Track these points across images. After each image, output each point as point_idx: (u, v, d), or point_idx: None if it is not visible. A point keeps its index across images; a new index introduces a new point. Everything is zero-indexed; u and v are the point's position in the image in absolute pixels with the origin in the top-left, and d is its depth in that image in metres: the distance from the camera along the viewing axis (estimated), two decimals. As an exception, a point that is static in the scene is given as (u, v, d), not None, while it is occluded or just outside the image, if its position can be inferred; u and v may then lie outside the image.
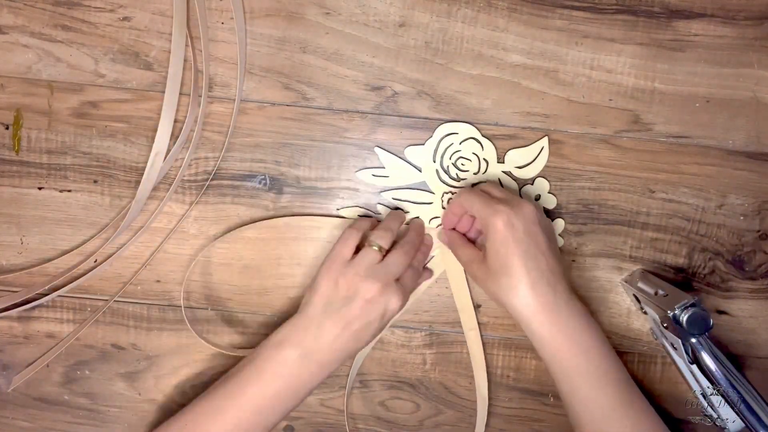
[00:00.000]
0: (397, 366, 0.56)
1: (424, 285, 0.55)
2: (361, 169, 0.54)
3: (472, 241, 0.53)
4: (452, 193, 0.54)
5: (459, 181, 0.54)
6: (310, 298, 0.48)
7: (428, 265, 0.55)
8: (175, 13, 0.51)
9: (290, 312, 0.55)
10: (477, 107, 0.53)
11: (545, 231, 0.47)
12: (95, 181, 0.54)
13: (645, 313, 0.54)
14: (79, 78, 0.53)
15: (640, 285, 0.53)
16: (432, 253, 0.55)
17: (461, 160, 0.53)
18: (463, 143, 0.53)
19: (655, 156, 0.53)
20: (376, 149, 0.53)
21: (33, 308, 0.55)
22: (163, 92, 0.51)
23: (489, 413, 0.56)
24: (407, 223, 0.54)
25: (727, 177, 0.54)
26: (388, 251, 0.49)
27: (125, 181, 0.54)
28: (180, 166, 0.54)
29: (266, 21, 0.52)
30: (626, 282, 0.55)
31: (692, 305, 0.48)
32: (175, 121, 0.52)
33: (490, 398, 0.56)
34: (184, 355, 0.56)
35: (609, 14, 0.52)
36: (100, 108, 0.53)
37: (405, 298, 0.49)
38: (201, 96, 0.53)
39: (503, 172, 0.53)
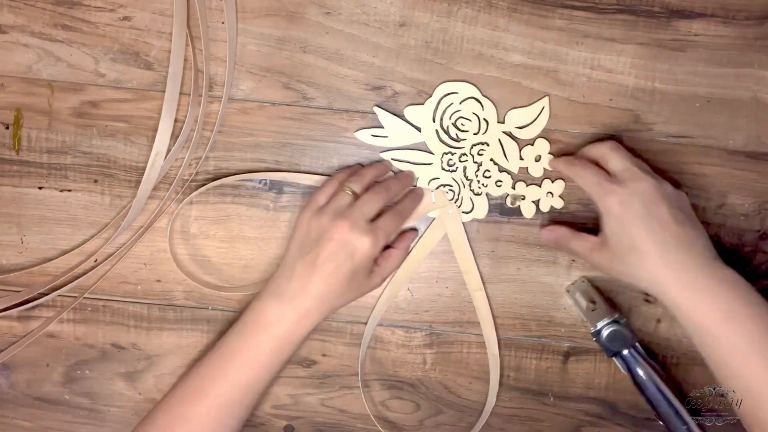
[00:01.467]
0: (397, 366, 0.56)
1: (420, 255, 0.55)
2: (360, 129, 0.53)
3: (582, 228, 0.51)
4: (452, 154, 0.53)
5: (459, 141, 0.53)
6: (287, 246, 0.50)
7: (430, 228, 0.54)
8: (176, 13, 0.51)
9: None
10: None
11: (669, 202, 0.45)
12: (95, 181, 0.54)
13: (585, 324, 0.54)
14: (80, 77, 0.53)
15: (577, 297, 0.54)
16: (431, 215, 0.54)
17: (461, 120, 0.53)
18: (463, 103, 0.53)
19: (656, 156, 0.53)
20: (375, 109, 0.53)
21: (33, 308, 0.55)
22: (164, 92, 0.51)
23: (490, 413, 0.56)
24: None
25: (727, 177, 0.54)
26: None
27: (125, 180, 0.54)
28: (180, 166, 0.54)
29: (266, 21, 0.52)
30: (569, 291, 0.55)
31: (613, 322, 0.51)
32: (176, 120, 0.52)
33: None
34: (184, 355, 0.56)
35: (609, 14, 0.52)
36: (101, 107, 0.53)
37: (376, 239, 0.48)
38: (201, 96, 0.53)
39: (503, 132, 0.53)
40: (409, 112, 0.53)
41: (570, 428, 0.57)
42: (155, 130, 0.53)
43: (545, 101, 0.52)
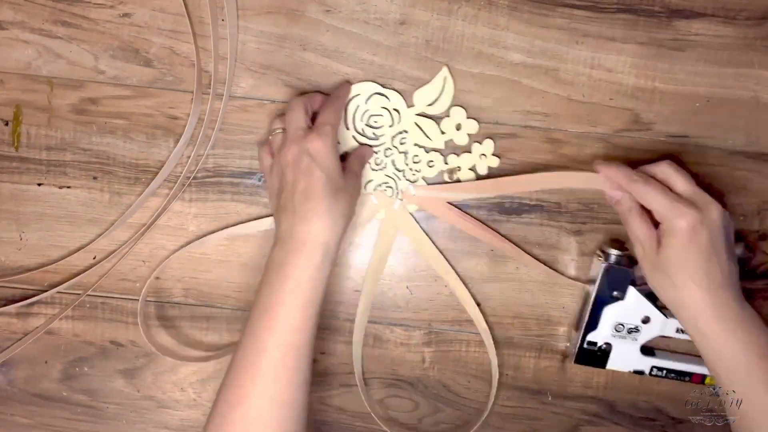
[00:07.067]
0: (396, 364, 0.56)
1: (381, 256, 0.55)
2: None
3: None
4: (376, 153, 0.53)
5: (378, 138, 0.53)
6: (274, 221, 0.49)
7: (381, 229, 0.54)
8: (183, 9, 0.51)
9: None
10: (477, 106, 0.53)
11: (727, 235, 0.47)
12: (95, 178, 0.54)
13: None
14: (79, 74, 0.53)
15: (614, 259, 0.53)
16: (378, 217, 0.54)
17: (373, 118, 0.53)
18: (369, 101, 0.53)
19: (655, 155, 0.53)
20: None
21: (32, 304, 0.55)
22: (163, 89, 0.51)
23: (488, 412, 0.56)
24: None
25: (727, 177, 0.54)
26: None
27: (125, 177, 0.54)
28: (185, 164, 0.54)
29: (267, 18, 0.52)
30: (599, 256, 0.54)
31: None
32: (176, 118, 0.52)
33: (490, 396, 0.56)
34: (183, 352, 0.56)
35: (610, 13, 0.52)
36: (100, 104, 0.53)
37: (319, 132, 0.46)
38: (205, 94, 0.53)
39: (417, 114, 0.53)
40: None
41: (568, 427, 0.57)
42: (155, 127, 0.53)
43: (444, 71, 0.52)
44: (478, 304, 0.55)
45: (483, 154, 0.54)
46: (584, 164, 0.54)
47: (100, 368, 0.57)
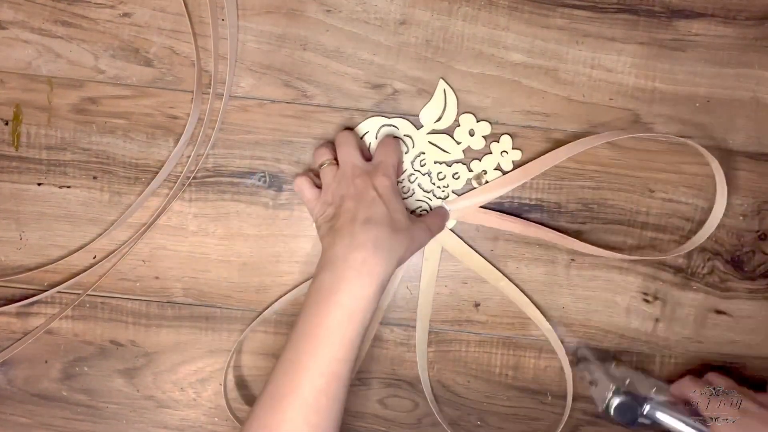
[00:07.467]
0: (395, 364, 0.56)
1: (431, 273, 0.55)
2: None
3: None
4: (400, 182, 0.53)
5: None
6: (321, 240, 0.47)
7: (426, 250, 0.54)
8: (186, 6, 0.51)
9: (289, 310, 0.56)
10: (477, 106, 0.53)
11: None
12: (94, 178, 0.54)
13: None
14: (79, 74, 0.53)
15: (584, 380, 0.54)
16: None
17: None
18: (379, 134, 0.53)
19: (655, 155, 0.53)
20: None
21: (32, 304, 0.55)
22: (163, 89, 0.51)
23: (487, 411, 0.56)
24: None
25: (727, 177, 0.54)
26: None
27: (124, 177, 0.54)
28: (185, 164, 0.54)
29: (267, 18, 0.52)
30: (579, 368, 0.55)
31: (615, 393, 0.50)
32: (175, 117, 0.52)
33: (489, 396, 0.56)
34: (183, 352, 0.56)
35: (610, 13, 0.52)
36: (100, 104, 0.53)
37: (387, 171, 0.48)
38: (205, 93, 0.53)
39: (428, 134, 0.53)
40: None
41: (568, 427, 0.57)
42: (155, 126, 0.53)
43: (442, 84, 0.52)
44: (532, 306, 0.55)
45: (504, 151, 0.53)
46: (584, 164, 0.54)
47: (99, 368, 0.56)
